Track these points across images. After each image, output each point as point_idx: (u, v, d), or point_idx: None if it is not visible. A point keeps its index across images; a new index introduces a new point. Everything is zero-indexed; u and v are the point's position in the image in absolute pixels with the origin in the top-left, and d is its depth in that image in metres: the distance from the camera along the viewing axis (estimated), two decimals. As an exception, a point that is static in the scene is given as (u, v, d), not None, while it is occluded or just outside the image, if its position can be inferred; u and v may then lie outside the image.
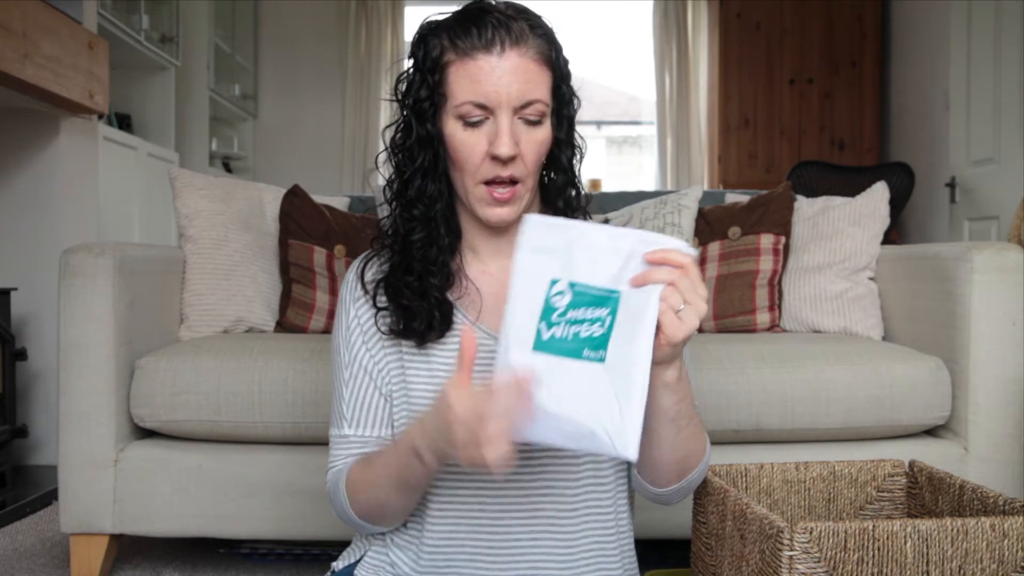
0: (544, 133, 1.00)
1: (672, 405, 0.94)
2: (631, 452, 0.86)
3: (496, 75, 0.95)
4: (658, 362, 0.88)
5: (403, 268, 1.04)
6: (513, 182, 0.99)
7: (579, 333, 0.87)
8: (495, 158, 0.97)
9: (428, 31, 1.01)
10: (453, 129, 0.98)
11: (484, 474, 1.02)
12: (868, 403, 1.71)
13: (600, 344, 0.86)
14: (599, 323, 0.86)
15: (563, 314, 0.87)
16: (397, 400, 1.06)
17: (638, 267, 0.86)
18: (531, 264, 0.88)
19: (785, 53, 4.89)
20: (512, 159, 0.97)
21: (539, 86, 0.98)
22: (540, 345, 0.87)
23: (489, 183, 0.99)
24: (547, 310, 0.87)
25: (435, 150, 1.01)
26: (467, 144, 0.98)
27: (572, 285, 0.87)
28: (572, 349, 0.86)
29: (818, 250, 2.11)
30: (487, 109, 0.97)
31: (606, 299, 0.87)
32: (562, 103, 1.03)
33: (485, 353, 1.04)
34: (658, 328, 0.86)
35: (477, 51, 0.96)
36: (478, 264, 1.08)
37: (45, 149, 2.76)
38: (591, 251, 0.87)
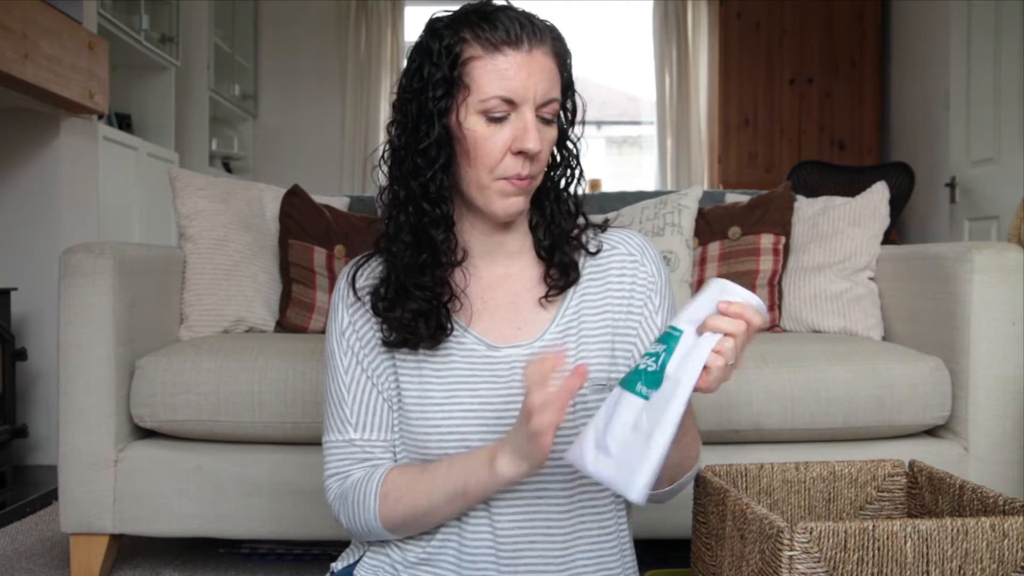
0: (555, 133, 1.02)
1: None
2: (635, 494, 0.84)
3: (525, 71, 0.96)
4: None
5: (417, 270, 1.02)
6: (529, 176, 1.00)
7: (639, 366, 0.88)
8: (520, 153, 0.97)
9: (443, 27, 0.99)
10: (474, 123, 0.97)
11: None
12: (868, 403, 1.71)
13: (652, 380, 0.86)
14: (654, 358, 0.87)
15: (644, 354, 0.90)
16: (393, 408, 1.06)
17: (709, 311, 0.87)
18: None
19: (785, 53, 4.89)
20: (536, 155, 0.98)
21: (556, 86, 1.00)
22: (622, 382, 0.90)
23: (508, 179, 0.99)
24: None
25: (451, 147, 1.00)
26: (488, 139, 0.97)
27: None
28: (630, 381, 0.88)
29: (818, 250, 2.11)
30: (512, 104, 0.97)
31: (668, 336, 0.87)
32: (565, 104, 1.04)
33: (478, 359, 1.04)
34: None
35: (506, 46, 0.96)
36: (469, 268, 1.07)
37: (45, 149, 2.76)
38: (696, 297, 0.89)
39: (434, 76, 0.97)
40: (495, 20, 0.96)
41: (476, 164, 0.98)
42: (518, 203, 1.01)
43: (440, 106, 0.97)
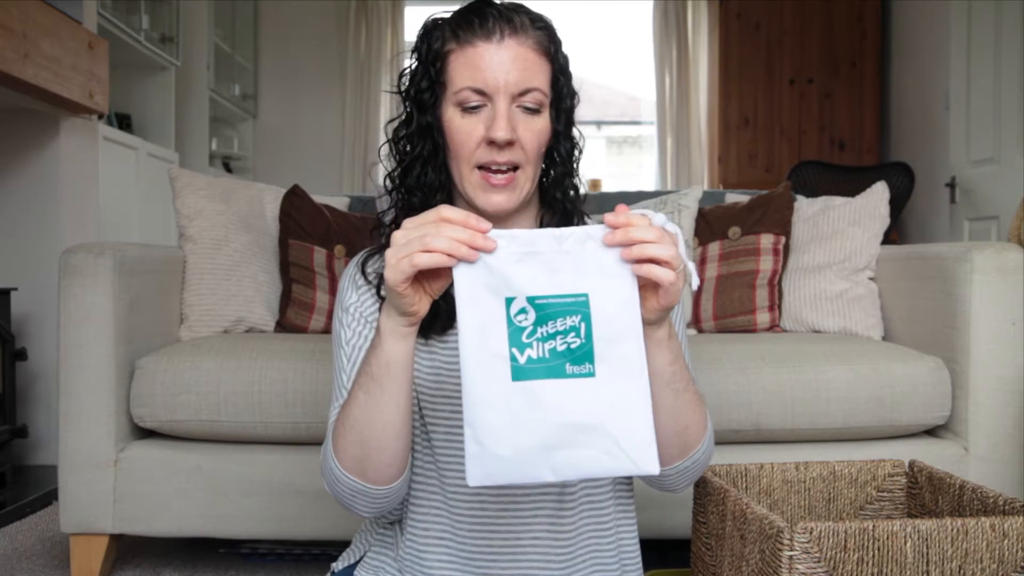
0: (543, 123, 1.01)
1: (667, 365, 0.91)
2: (652, 465, 0.79)
3: (495, 61, 0.97)
4: (648, 323, 0.86)
5: None
6: (513, 168, 1.00)
7: (555, 348, 0.79)
8: (492, 143, 0.98)
9: (432, 26, 1.02)
10: (452, 115, 1.00)
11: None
12: (868, 403, 1.71)
13: (583, 356, 0.79)
14: (574, 332, 0.79)
15: (532, 333, 0.79)
16: None
17: (596, 261, 0.80)
18: (473, 288, 0.80)
19: (785, 53, 4.89)
20: (510, 144, 0.98)
21: (537, 75, 0.99)
22: (519, 374, 0.79)
23: (483, 168, 0.99)
24: (514, 332, 0.79)
25: (434, 139, 1.02)
26: (464, 130, 0.99)
27: (531, 300, 0.79)
28: (553, 368, 0.79)
29: (818, 250, 2.11)
30: (485, 95, 0.98)
31: (574, 305, 0.79)
32: (560, 96, 1.03)
33: None
34: (648, 292, 0.82)
35: (477, 39, 0.98)
36: None
37: (45, 149, 2.76)
38: (538, 259, 0.80)
39: (418, 73, 1.02)
40: (473, 15, 0.99)
41: (457, 156, 1.00)
42: (501, 200, 1.00)
43: (421, 99, 1.01)
